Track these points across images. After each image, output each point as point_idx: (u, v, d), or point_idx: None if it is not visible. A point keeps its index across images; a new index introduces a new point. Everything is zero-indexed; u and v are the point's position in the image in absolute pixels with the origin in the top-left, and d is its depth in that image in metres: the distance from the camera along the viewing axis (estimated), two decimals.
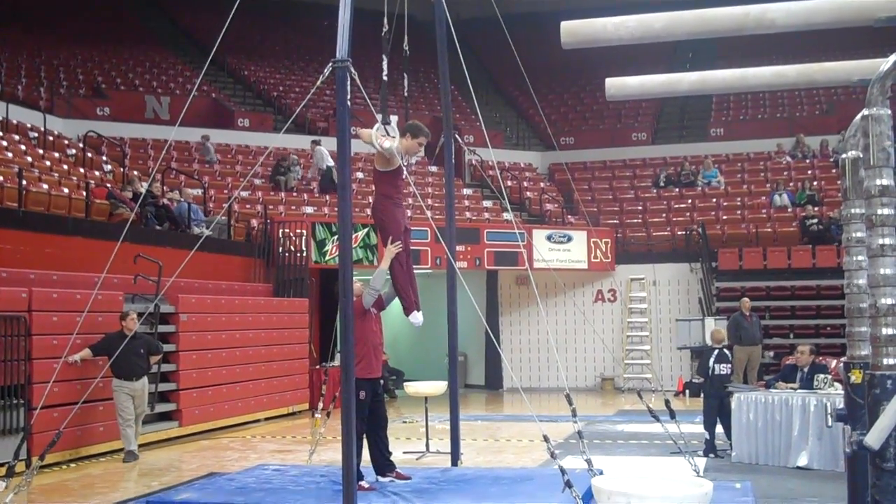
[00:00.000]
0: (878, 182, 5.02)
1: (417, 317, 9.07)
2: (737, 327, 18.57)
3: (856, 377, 6.30)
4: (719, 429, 12.38)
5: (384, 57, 8.89)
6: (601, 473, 8.12)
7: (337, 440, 8.13)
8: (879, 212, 5.04)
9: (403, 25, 9.38)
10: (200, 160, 23.38)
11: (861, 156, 5.30)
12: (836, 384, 11.19)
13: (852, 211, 6.83)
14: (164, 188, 18.60)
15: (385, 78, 8.95)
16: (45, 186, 14.83)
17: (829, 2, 5.71)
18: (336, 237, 17.58)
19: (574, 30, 6.02)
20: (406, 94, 10.58)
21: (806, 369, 11.83)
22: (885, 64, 5.03)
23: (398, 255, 8.95)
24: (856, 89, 7.16)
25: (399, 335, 24.30)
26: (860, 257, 6.64)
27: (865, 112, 5.06)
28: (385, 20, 9.04)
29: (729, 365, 12.48)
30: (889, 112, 5.03)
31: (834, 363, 13.26)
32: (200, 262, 14.87)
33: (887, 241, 5.02)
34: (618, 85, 7.19)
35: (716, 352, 12.53)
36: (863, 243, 5.98)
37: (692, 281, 22.21)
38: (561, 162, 26.65)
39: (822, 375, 11.56)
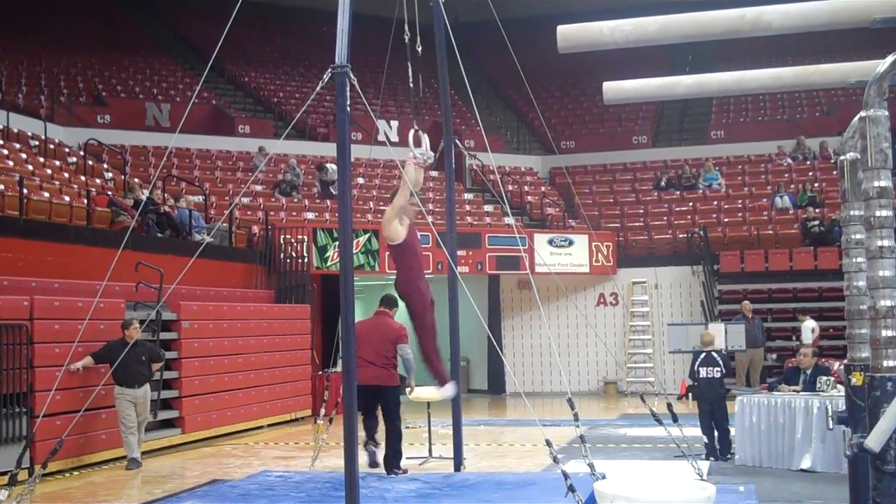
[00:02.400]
0: (876, 184, 5.04)
1: (450, 388, 9.27)
2: None
3: (856, 379, 6.30)
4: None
5: (409, 65, 8.94)
6: (604, 478, 8.12)
7: (340, 446, 8.12)
8: (878, 213, 5.05)
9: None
10: (202, 167, 23.38)
11: (859, 157, 5.30)
12: (838, 386, 11.16)
13: (851, 213, 6.83)
14: (165, 195, 18.61)
15: (411, 85, 8.99)
16: (46, 195, 14.84)
17: (826, 4, 5.72)
18: (337, 243, 17.59)
19: (570, 34, 6.03)
20: (412, 88, 10.55)
21: (809, 371, 11.80)
22: (881, 66, 5.05)
23: (428, 325, 9.01)
24: (856, 90, 7.16)
25: None
26: (860, 259, 6.65)
27: (863, 114, 5.07)
28: (406, 27, 9.06)
29: (717, 368, 12.29)
30: (886, 114, 5.04)
31: (836, 365, 13.22)
32: (202, 269, 14.89)
33: (886, 242, 5.03)
34: (615, 89, 7.21)
35: (703, 355, 12.45)
36: (862, 245, 5.98)
37: (694, 284, 22.19)
38: (561, 166, 26.64)
39: (824, 377, 11.53)
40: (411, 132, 8.79)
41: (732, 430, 12.20)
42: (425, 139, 8.96)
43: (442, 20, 9.74)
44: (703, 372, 12.32)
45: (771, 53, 29.30)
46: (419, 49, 9.72)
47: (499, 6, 10.70)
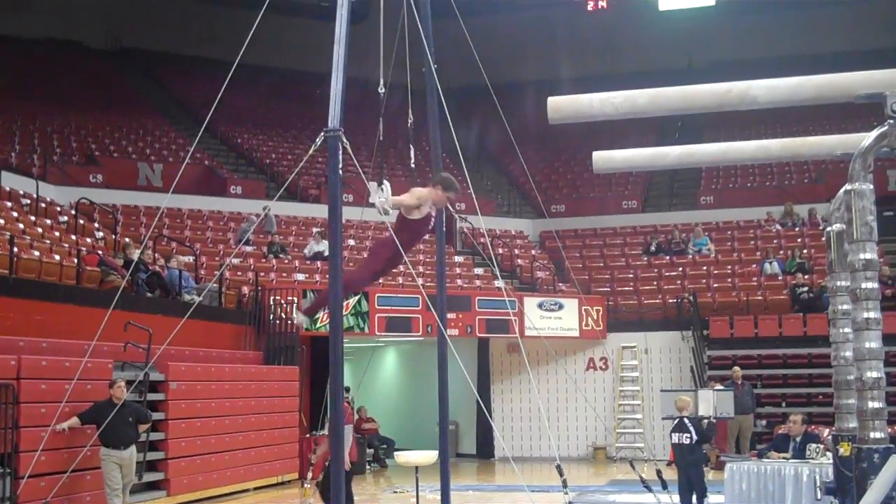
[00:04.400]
0: (861, 256, 5.09)
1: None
2: None
3: (844, 450, 6.30)
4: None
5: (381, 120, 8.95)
6: None
7: None
8: (864, 285, 5.10)
9: (405, 95, 9.49)
10: (193, 227, 23.42)
11: (845, 229, 5.36)
12: (828, 454, 11.13)
13: (838, 283, 6.90)
14: (156, 255, 18.60)
15: (381, 138, 8.99)
16: (37, 253, 14.83)
17: (811, 80, 5.81)
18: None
19: (560, 106, 6.12)
20: (413, 164, 10.63)
21: (798, 439, 11.78)
22: (866, 140, 5.14)
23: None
24: (844, 160, 7.25)
25: (390, 404, 24.19)
26: (846, 329, 6.69)
27: (848, 187, 5.14)
28: (381, 80, 9.11)
29: (687, 434, 12.20)
30: (871, 187, 5.12)
31: (826, 432, 13.19)
32: (191, 329, 14.82)
33: (872, 314, 5.08)
34: (604, 158, 7.29)
35: (676, 421, 12.42)
36: (849, 316, 6.02)
37: (684, 349, 22.16)
38: (551, 229, 26.73)
39: (814, 445, 11.51)
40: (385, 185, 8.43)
41: (711, 498, 12.10)
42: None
43: (434, 85, 9.82)
44: (675, 438, 12.29)
45: (760, 121, 29.63)
46: (410, 122, 9.77)
47: (490, 72, 10.83)
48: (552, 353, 20.83)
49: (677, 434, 12.24)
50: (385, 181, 8.22)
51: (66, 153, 25.53)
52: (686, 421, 12.30)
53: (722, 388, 18.36)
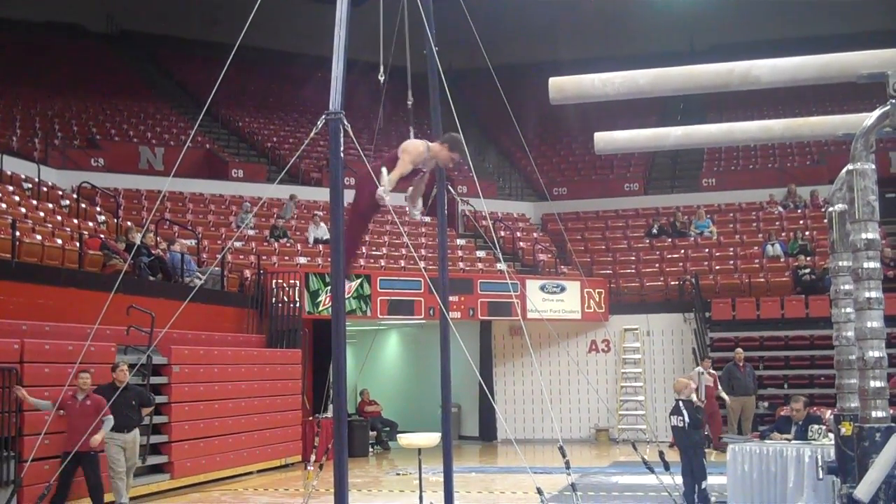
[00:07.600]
0: (863, 236, 5.09)
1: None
2: (730, 378, 18.61)
3: (846, 429, 6.32)
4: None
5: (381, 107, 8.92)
6: None
7: (330, 493, 8.09)
8: (865, 265, 5.10)
9: (405, 78, 9.46)
10: (195, 211, 23.41)
11: (847, 209, 5.35)
12: (830, 435, 11.14)
13: (839, 263, 6.90)
14: (158, 239, 18.61)
15: (380, 125, 8.96)
16: (39, 237, 14.84)
17: (814, 59, 5.80)
18: (329, 288, 17.58)
19: (562, 86, 6.10)
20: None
21: (800, 421, 11.79)
22: (868, 119, 5.13)
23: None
24: (846, 140, 7.22)
25: (392, 387, 24.25)
26: (848, 309, 6.70)
27: (850, 167, 5.14)
28: (381, 68, 9.08)
29: (681, 417, 12.23)
30: (873, 167, 5.11)
31: (828, 414, 13.21)
32: (193, 312, 14.87)
33: (873, 294, 5.08)
34: (606, 139, 7.28)
35: (674, 404, 12.45)
36: (850, 296, 6.02)
37: (686, 331, 22.18)
38: (554, 212, 26.72)
39: (816, 426, 11.52)
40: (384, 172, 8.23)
41: (713, 479, 12.11)
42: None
43: (436, 66, 9.79)
44: (673, 420, 12.32)
45: (762, 102, 29.54)
46: (410, 102, 9.74)
47: (492, 53, 10.79)
48: (554, 335, 20.88)
49: (674, 417, 12.27)
50: (383, 169, 8.04)
51: (68, 137, 25.49)
52: (681, 404, 12.31)
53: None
